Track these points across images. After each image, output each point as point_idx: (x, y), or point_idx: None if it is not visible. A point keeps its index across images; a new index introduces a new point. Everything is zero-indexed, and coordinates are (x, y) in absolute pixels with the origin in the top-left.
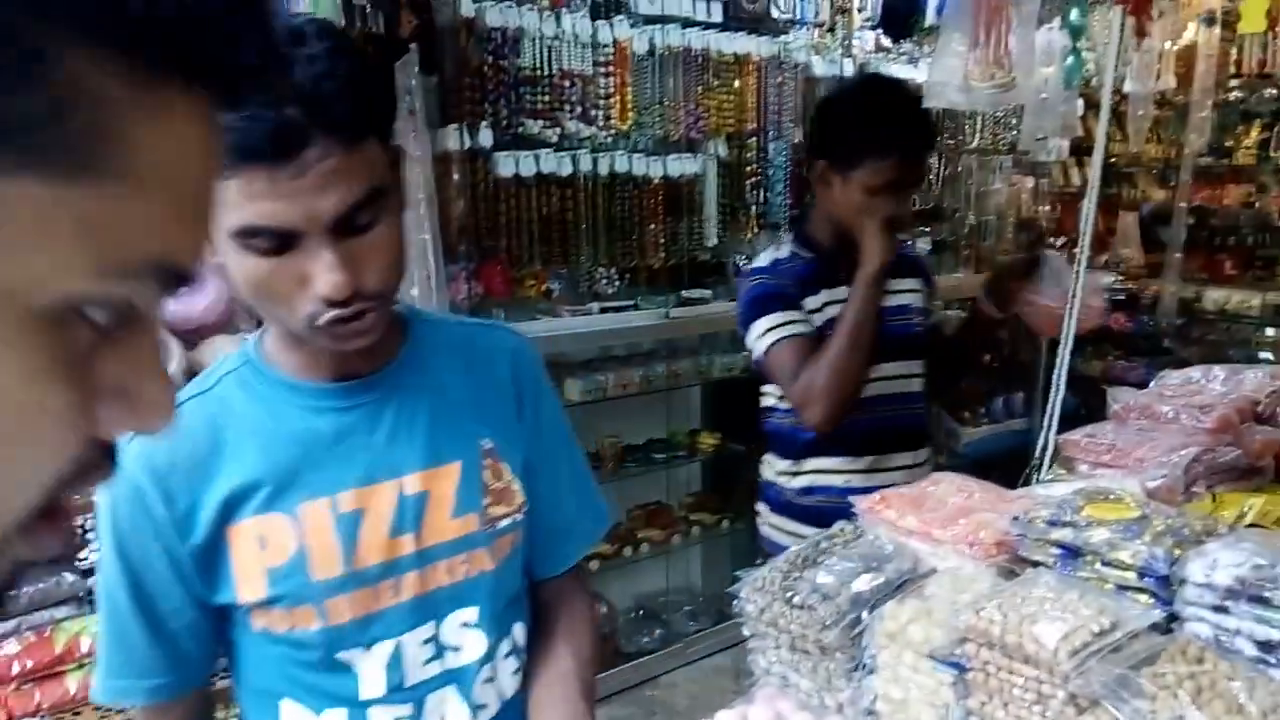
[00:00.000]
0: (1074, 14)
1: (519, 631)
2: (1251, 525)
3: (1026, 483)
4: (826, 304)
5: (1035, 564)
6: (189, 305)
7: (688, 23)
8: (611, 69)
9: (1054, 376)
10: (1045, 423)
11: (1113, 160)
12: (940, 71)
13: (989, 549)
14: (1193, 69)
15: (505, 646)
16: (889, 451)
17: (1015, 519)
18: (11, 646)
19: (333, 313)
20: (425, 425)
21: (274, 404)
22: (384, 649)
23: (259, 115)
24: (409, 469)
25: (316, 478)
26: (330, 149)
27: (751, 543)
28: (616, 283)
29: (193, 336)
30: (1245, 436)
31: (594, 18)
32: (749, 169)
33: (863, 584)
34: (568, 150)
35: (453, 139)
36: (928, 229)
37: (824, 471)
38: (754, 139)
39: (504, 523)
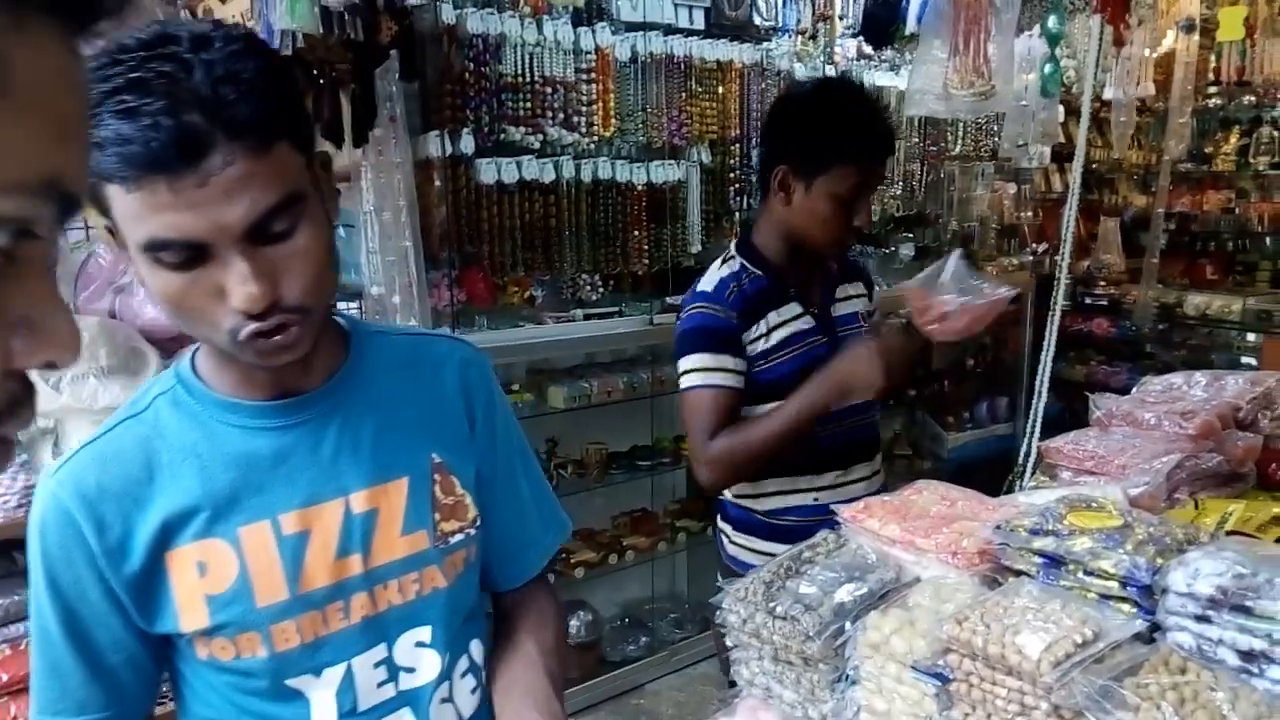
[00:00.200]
0: (1052, 22)
1: (476, 649)
2: (1233, 531)
3: (1009, 489)
4: (776, 326)
5: (1018, 573)
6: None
7: (670, 29)
8: (594, 76)
9: (1036, 383)
10: (1028, 430)
11: (1094, 166)
12: (920, 79)
13: (972, 558)
14: (1171, 76)
15: (462, 665)
16: (850, 464)
17: (997, 528)
18: None
19: (252, 326)
20: (371, 441)
21: (209, 425)
22: (335, 673)
23: (157, 123)
24: (355, 487)
25: (257, 500)
26: (235, 155)
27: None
28: (600, 289)
29: (171, 345)
30: (1227, 443)
31: (576, 24)
32: (732, 175)
33: (845, 594)
34: (550, 157)
35: (434, 145)
36: (910, 234)
37: (790, 491)
38: (737, 145)
39: (456, 538)
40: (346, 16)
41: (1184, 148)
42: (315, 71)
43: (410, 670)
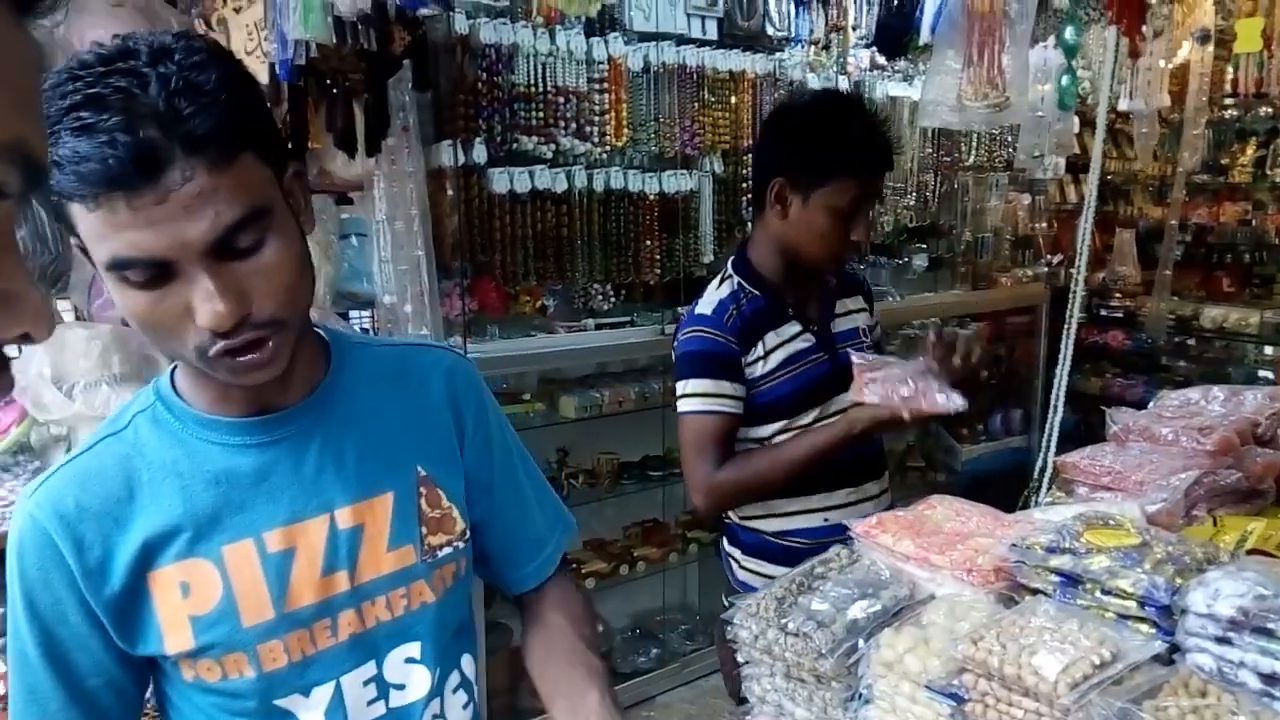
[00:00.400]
0: (1069, 33)
1: (467, 664)
2: (1253, 550)
3: (1025, 505)
4: (775, 348)
5: (1034, 591)
6: None
7: (682, 40)
8: (606, 85)
9: (1052, 398)
10: (1043, 444)
11: (1109, 177)
12: (934, 90)
13: (987, 575)
14: (1186, 88)
15: (453, 680)
16: (861, 483)
17: (1013, 545)
18: None
19: (221, 344)
20: (354, 456)
21: (190, 443)
22: (324, 693)
23: (114, 139)
24: (340, 502)
25: (240, 518)
26: (194, 170)
27: None
28: (612, 299)
29: None
30: (1246, 459)
31: (588, 35)
32: (744, 185)
33: (858, 611)
34: (562, 166)
35: (446, 155)
36: (923, 245)
37: (801, 513)
38: (750, 155)
39: (444, 551)
40: (360, 27)
41: (1198, 159)
42: (329, 81)
43: (400, 687)
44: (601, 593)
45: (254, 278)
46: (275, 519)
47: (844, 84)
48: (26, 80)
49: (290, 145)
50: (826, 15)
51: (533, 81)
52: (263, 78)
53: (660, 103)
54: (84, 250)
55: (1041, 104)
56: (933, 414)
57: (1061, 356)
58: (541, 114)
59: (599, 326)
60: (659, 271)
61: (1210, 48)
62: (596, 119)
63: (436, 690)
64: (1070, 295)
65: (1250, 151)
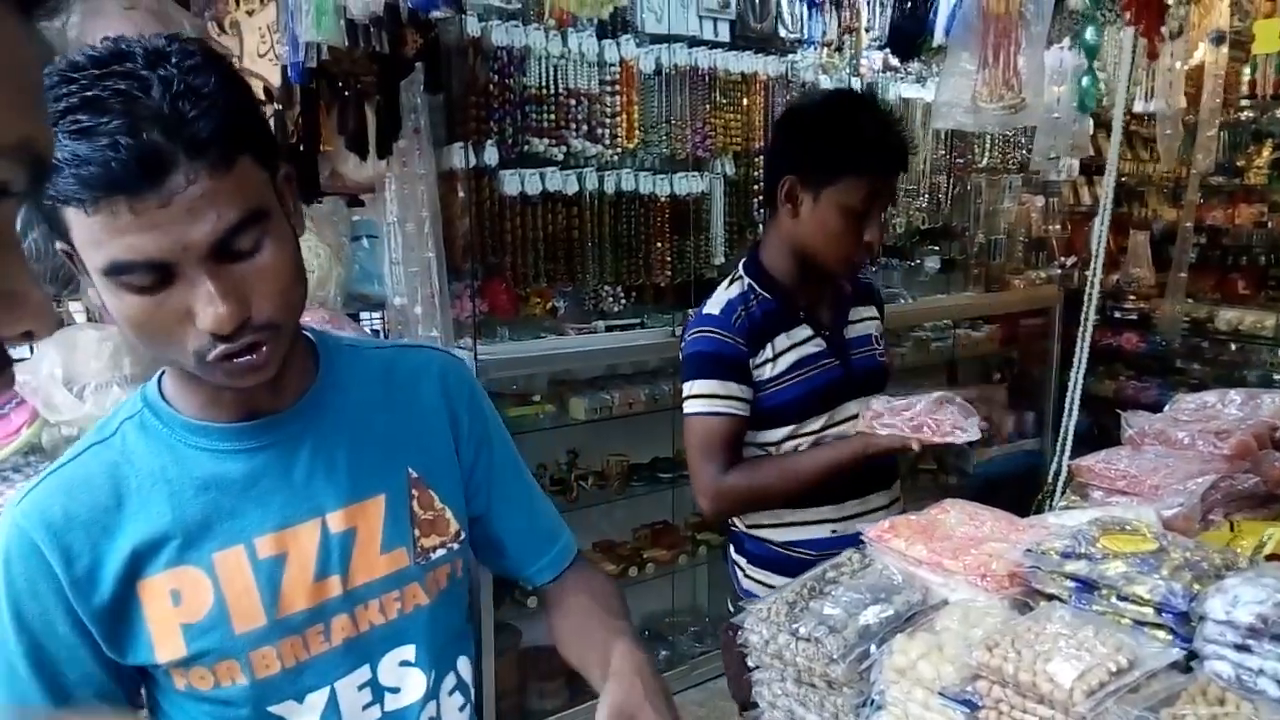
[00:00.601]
0: (1089, 33)
1: (464, 666)
2: (1271, 555)
3: (1039, 509)
4: (784, 350)
5: (1049, 597)
6: None
7: (694, 42)
8: (618, 88)
9: (1067, 401)
10: (1058, 448)
11: (1123, 179)
12: (948, 91)
13: (1001, 581)
14: (1201, 89)
15: (449, 683)
16: (868, 493)
17: (1028, 550)
18: None
19: (221, 347)
20: (345, 458)
21: (178, 449)
22: (318, 698)
23: (116, 142)
24: (331, 506)
25: (230, 524)
26: (198, 173)
27: None
28: (623, 301)
29: None
30: (1264, 463)
31: (600, 37)
32: (756, 187)
33: (871, 616)
34: (573, 168)
35: (458, 157)
36: (936, 247)
37: (808, 524)
38: (761, 157)
39: (438, 553)
40: (372, 29)
41: (1211, 161)
42: (340, 84)
43: (395, 690)
44: None
45: (253, 280)
46: (266, 524)
47: (857, 86)
48: (32, 80)
49: (301, 148)
50: (839, 17)
51: (544, 84)
52: (275, 80)
53: (672, 105)
54: (68, 254)
55: (1057, 105)
56: (945, 445)
57: (1077, 360)
58: (553, 116)
59: (609, 328)
60: (669, 273)
61: (1225, 49)
62: (608, 121)
63: (432, 693)
64: (1085, 298)
65: (1266, 153)
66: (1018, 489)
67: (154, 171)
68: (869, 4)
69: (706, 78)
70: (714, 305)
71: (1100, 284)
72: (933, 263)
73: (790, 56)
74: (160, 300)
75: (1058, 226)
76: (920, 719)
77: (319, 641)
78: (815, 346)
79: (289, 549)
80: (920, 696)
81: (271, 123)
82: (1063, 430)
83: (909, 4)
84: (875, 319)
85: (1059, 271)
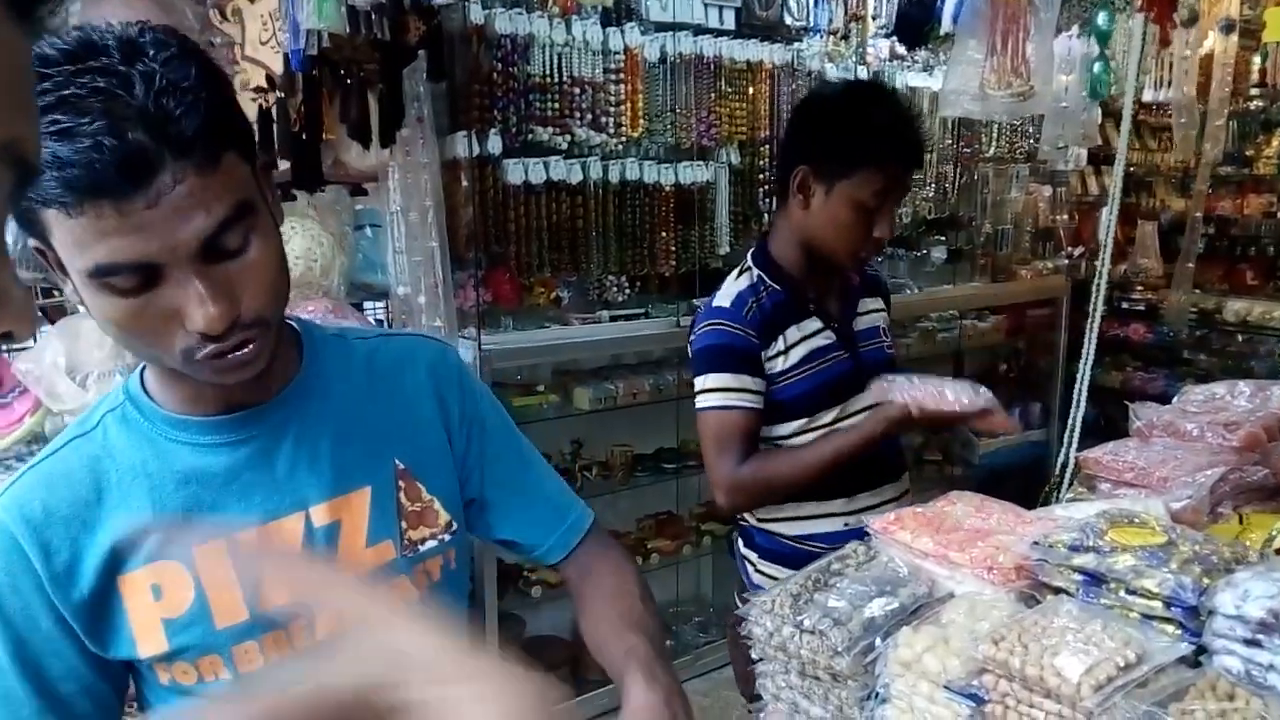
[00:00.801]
0: (1101, 19)
1: None
2: None
3: (1046, 501)
4: (795, 343)
5: (1056, 590)
6: None
7: (700, 30)
8: (622, 76)
9: (1074, 393)
10: (1065, 440)
11: (1131, 169)
12: (956, 79)
13: (1008, 574)
14: (1210, 78)
15: None
16: (878, 485)
17: (1035, 543)
18: None
19: (211, 347)
20: (329, 450)
21: (159, 443)
22: None
23: (99, 143)
24: (315, 499)
25: (211, 519)
26: (184, 172)
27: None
28: (627, 291)
29: None
30: (1273, 455)
31: (605, 25)
32: (761, 177)
33: (876, 609)
34: (578, 157)
35: (461, 146)
36: (942, 237)
37: (820, 516)
38: (766, 146)
39: (427, 545)
40: (374, 16)
41: (1219, 150)
42: (343, 71)
43: None
44: None
45: (241, 277)
46: (247, 519)
47: (863, 74)
48: (20, 80)
49: (303, 136)
50: (845, 4)
51: (548, 72)
52: (277, 68)
53: (676, 93)
54: (41, 253)
55: (1065, 94)
56: (943, 411)
57: (1085, 351)
58: (557, 104)
59: (613, 318)
60: (674, 263)
61: (1234, 37)
62: (612, 110)
63: None
64: (1094, 288)
65: (1276, 143)
66: (1024, 481)
67: (140, 173)
68: None
69: (711, 66)
70: (724, 297)
71: (1108, 274)
72: (939, 253)
73: (796, 45)
74: (146, 301)
75: (1065, 216)
76: (925, 713)
77: (303, 636)
78: (826, 339)
79: (272, 543)
80: (925, 690)
81: (274, 111)
82: (1070, 422)
83: None
84: (882, 310)
85: (1066, 262)
